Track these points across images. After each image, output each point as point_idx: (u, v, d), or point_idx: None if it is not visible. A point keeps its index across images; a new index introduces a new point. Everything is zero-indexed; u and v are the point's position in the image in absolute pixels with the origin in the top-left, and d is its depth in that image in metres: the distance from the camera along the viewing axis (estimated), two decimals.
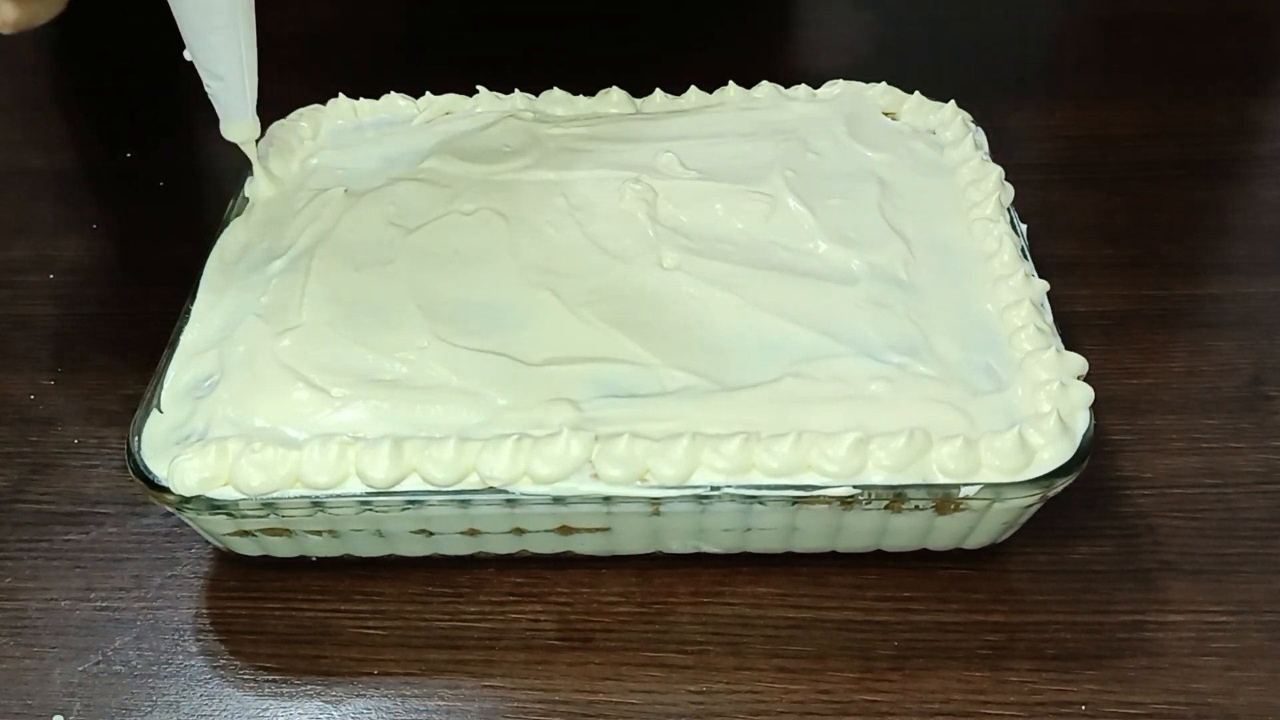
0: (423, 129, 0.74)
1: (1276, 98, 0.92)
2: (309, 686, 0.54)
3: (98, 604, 0.58)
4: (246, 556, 0.58)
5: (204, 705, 0.54)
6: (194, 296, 0.63)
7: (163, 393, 0.58)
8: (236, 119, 0.65)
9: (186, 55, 0.62)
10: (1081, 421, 0.53)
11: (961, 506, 0.53)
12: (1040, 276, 0.61)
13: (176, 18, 0.61)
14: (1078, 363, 0.56)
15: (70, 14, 0.59)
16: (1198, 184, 0.80)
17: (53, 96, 0.95)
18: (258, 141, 0.67)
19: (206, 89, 0.64)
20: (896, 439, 0.52)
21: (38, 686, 0.55)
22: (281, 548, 0.57)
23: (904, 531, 0.55)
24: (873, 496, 0.52)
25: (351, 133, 0.75)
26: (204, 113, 0.64)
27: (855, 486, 0.52)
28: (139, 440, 0.56)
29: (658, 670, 0.54)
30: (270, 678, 0.55)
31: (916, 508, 0.53)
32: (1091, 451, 0.53)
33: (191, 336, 0.60)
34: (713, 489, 0.52)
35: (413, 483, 0.53)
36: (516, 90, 0.76)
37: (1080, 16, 1.04)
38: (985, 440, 0.52)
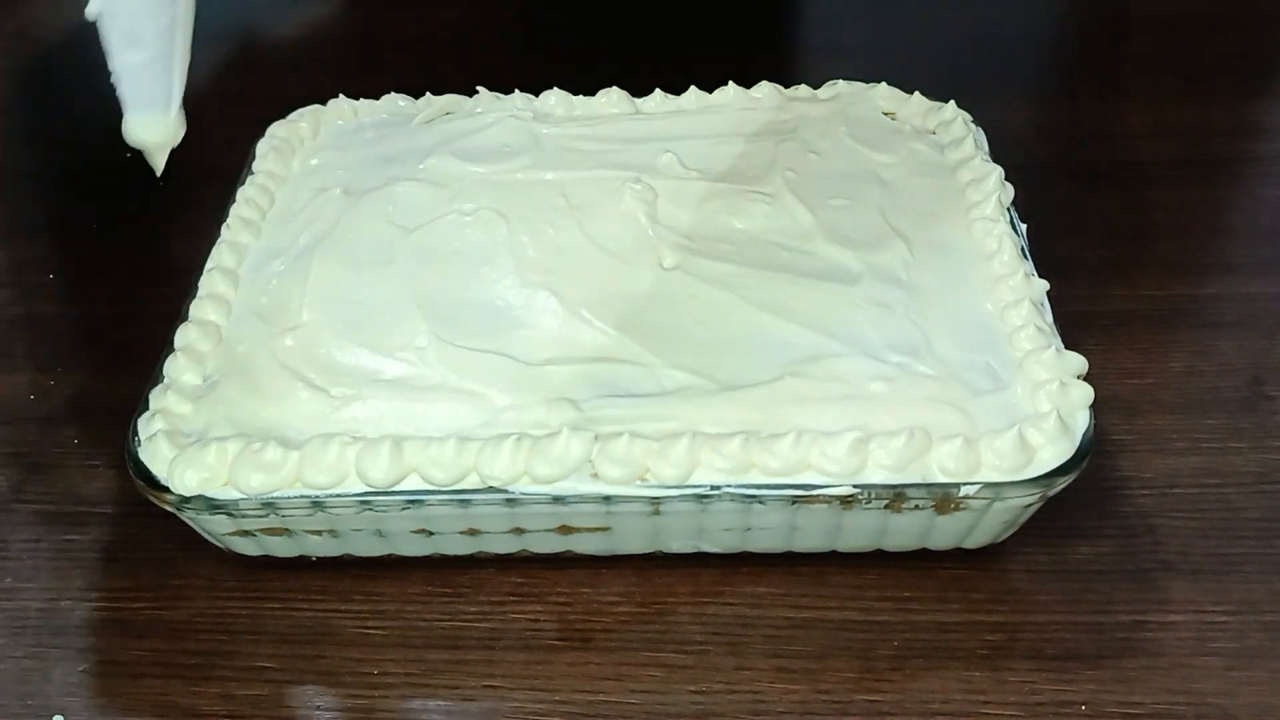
0: (423, 129, 0.74)
1: (1276, 98, 0.92)
2: (309, 686, 0.54)
3: (98, 604, 0.58)
4: (246, 556, 0.58)
5: (204, 705, 0.54)
6: (194, 296, 0.63)
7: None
8: (149, 109, 0.45)
9: (90, 10, 0.44)
10: (1081, 421, 0.53)
11: (961, 506, 0.53)
12: (1040, 276, 0.61)
13: None
14: (1078, 362, 0.56)
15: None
16: (1198, 184, 0.80)
17: (53, 95, 0.95)
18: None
19: (112, 67, 0.45)
20: (896, 438, 0.52)
21: (38, 686, 0.55)
22: (281, 548, 0.57)
23: (904, 531, 0.55)
24: (873, 496, 0.52)
25: (351, 133, 0.75)
26: (204, 111, 0.63)
27: (855, 486, 0.52)
28: (139, 440, 0.56)
29: (658, 670, 0.54)
30: (270, 678, 0.55)
31: (916, 507, 0.53)
32: (1091, 451, 0.53)
33: (191, 336, 0.60)
34: (713, 488, 0.52)
35: (413, 483, 0.53)
36: (516, 90, 0.75)
37: (1080, 16, 1.04)
38: (985, 440, 0.52)
